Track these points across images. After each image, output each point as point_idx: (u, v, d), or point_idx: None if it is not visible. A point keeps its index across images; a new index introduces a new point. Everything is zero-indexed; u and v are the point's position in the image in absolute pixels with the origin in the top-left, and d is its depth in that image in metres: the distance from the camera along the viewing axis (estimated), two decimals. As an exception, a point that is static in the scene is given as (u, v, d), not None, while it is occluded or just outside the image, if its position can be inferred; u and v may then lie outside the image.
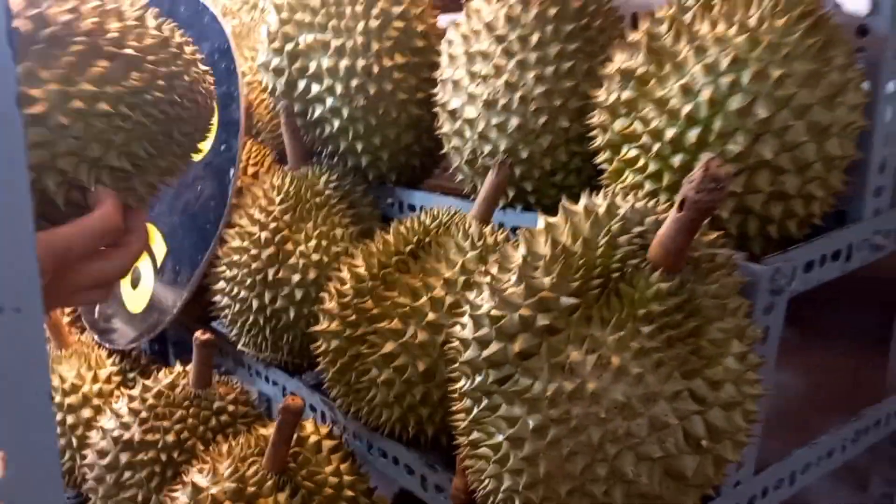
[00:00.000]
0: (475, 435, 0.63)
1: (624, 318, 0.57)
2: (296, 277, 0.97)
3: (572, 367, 0.56)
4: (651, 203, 0.63)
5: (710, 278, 0.60)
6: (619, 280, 0.59)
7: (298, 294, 0.97)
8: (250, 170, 1.16)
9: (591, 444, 0.56)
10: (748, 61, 0.68)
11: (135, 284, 1.15)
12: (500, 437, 0.60)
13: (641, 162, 0.74)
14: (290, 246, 0.98)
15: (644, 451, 0.56)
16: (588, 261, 0.60)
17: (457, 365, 0.64)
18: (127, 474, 0.94)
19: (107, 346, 1.18)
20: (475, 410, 0.63)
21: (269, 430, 0.84)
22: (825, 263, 0.75)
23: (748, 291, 0.68)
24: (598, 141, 0.79)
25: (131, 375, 1.14)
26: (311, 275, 0.97)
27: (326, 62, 0.98)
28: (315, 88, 1.00)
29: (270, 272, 0.97)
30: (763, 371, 0.64)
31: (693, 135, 0.69)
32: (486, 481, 0.63)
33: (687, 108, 0.69)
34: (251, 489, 0.77)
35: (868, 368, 1.05)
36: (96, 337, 1.21)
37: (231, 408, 1.00)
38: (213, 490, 0.77)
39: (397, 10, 1.00)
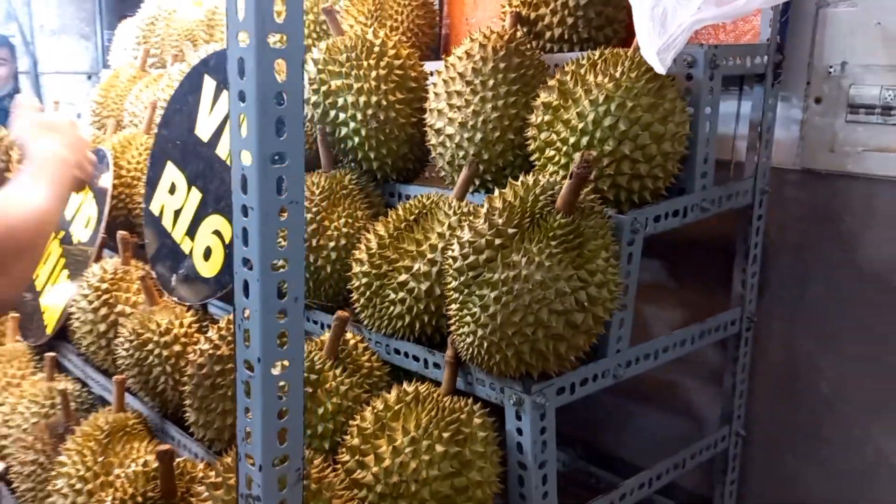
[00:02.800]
0: (460, 312, 1.09)
1: (541, 238, 1.04)
2: (331, 244, 1.42)
3: (513, 264, 1.03)
4: (559, 178, 1.11)
5: (590, 218, 1.07)
6: (539, 219, 1.06)
7: (332, 255, 1.42)
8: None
9: (525, 304, 1.02)
10: (614, 98, 1.16)
11: (206, 256, 1.58)
12: (474, 308, 1.06)
13: (556, 158, 1.22)
14: (326, 223, 1.43)
15: (553, 308, 1.03)
16: (522, 209, 1.07)
17: (449, 273, 1.11)
18: (219, 379, 1.36)
19: (178, 302, 1.60)
20: (460, 297, 1.09)
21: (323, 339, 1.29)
22: (668, 217, 1.24)
23: (619, 233, 1.16)
24: (532, 146, 1.27)
25: (205, 323, 1.57)
26: (341, 242, 1.42)
27: (349, 98, 1.45)
28: (341, 116, 1.47)
29: (313, 241, 1.42)
30: (629, 282, 1.12)
31: (584, 141, 1.18)
32: (466, 338, 1.09)
33: (580, 125, 1.18)
34: (317, 365, 1.21)
35: (713, 293, 1.54)
36: (168, 296, 1.63)
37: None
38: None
39: (397, 62, 1.47)
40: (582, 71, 1.22)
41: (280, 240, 0.74)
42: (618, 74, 1.18)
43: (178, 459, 1.27)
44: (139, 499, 1.20)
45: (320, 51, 1.49)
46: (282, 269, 0.75)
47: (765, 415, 1.53)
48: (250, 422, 0.78)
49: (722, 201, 1.33)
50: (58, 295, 1.93)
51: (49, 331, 1.90)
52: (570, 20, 1.41)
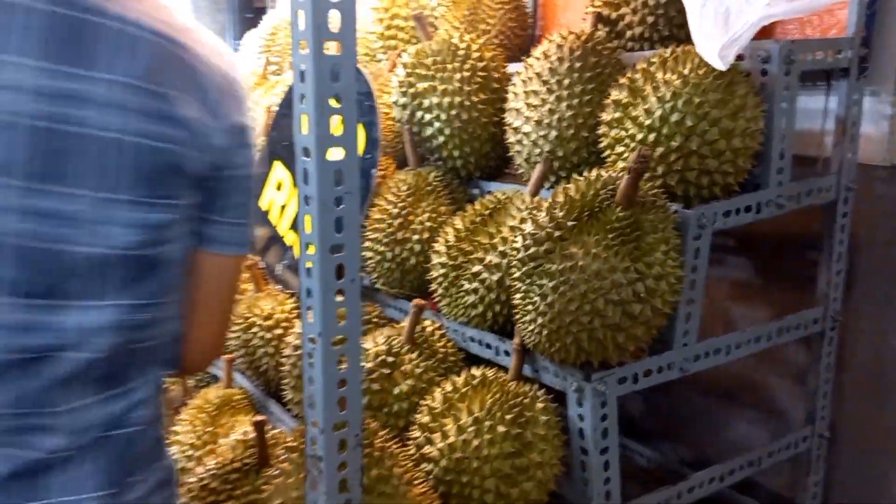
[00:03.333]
0: (522, 301, 1.15)
1: (599, 231, 1.09)
2: (415, 237, 1.51)
3: (571, 255, 1.08)
4: (621, 173, 1.15)
5: (650, 212, 1.10)
6: (598, 212, 1.10)
7: (416, 248, 1.51)
8: (380, 173, 1.72)
9: (581, 294, 1.07)
10: (681, 94, 1.18)
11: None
12: (534, 297, 1.12)
13: (625, 154, 1.25)
14: (411, 217, 1.53)
15: (609, 297, 1.07)
16: (582, 203, 1.11)
17: (513, 264, 1.17)
18: (311, 360, 1.48)
19: (282, 290, 1.74)
20: (522, 287, 1.15)
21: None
22: (740, 213, 1.24)
23: (685, 228, 1.18)
24: (603, 143, 1.31)
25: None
26: (425, 235, 1.50)
27: (434, 99, 1.53)
28: (427, 116, 1.56)
29: (399, 234, 1.52)
30: (696, 277, 1.14)
31: (651, 137, 1.20)
32: (529, 326, 1.14)
33: (648, 122, 1.21)
34: (395, 348, 1.30)
35: (798, 290, 1.51)
36: (272, 284, 1.77)
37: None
38: (371, 349, 1.30)
39: (481, 64, 1.54)
40: (652, 69, 1.24)
41: (337, 226, 0.83)
42: (686, 71, 1.20)
43: (274, 431, 1.39)
44: (237, 464, 1.34)
45: (409, 55, 1.58)
46: (339, 253, 0.83)
47: (853, 415, 1.49)
48: (314, 390, 0.88)
49: (801, 198, 1.31)
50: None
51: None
52: (650, 19, 1.44)
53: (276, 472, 1.02)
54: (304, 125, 0.80)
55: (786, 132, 1.27)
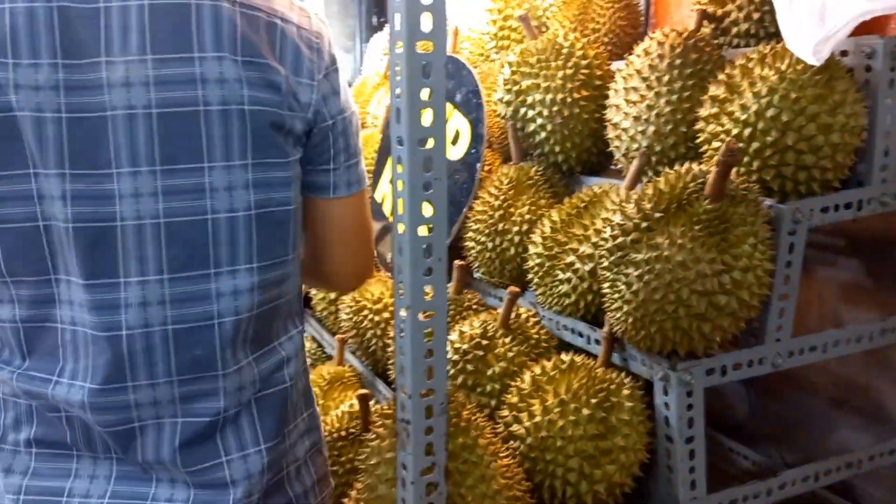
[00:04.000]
0: (610, 290, 1.19)
1: (686, 222, 1.11)
2: (514, 228, 1.57)
3: (656, 245, 1.11)
4: (712, 166, 1.17)
5: (740, 205, 1.12)
6: (685, 204, 1.13)
7: (515, 239, 1.57)
8: (486, 167, 1.79)
9: (666, 283, 1.10)
10: (778, 89, 1.19)
11: (414, 238, 1.82)
12: (621, 286, 1.16)
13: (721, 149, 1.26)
14: (512, 209, 1.59)
15: (693, 288, 1.09)
16: (671, 195, 1.14)
17: (602, 254, 1.21)
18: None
19: (391, 276, 1.85)
20: (610, 276, 1.19)
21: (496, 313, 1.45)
22: (839, 210, 1.23)
23: (779, 223, 1.18)
24: (700, 138, 1.32)
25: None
26: (524, 227, 1.56)
27: (538, 96, 1.59)
28: (530, 113, 1.62)
29: (500, 225, 1.59)
30: (790, 272, 1.14)
31: (747, 132, 1.21)
32: (616, 314, 1.19)
33: (743, 117, 1.22)
34: (490, 332, 1.38)
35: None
36: (384, 271, 1.89)
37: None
38: (467, 332, 1.38)
39: (584, 62, 1.59)
40: (750, 65, 1.25)
41: (426, 210, 0.91)
42: (783, 67, 1.20)
43: (377, 405, 1.50)
44: (343, 433, 1.45)
45: (515, 54, 1.65)
46: (428, 234, 0.92)
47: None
48: (403, 359, 0.96)
49: (909, 196, 1.28)
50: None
51: (294, 298, 2.27)
52: (756, 15, 1.44)
53: (373, 436, 1.11)
54: (399, 117, 0.88)
55: (891, 129, 1.24)
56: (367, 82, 2.92)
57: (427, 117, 0.88)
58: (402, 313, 0.94)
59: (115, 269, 0.87)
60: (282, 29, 0.92)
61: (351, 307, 1.81)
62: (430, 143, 0.89)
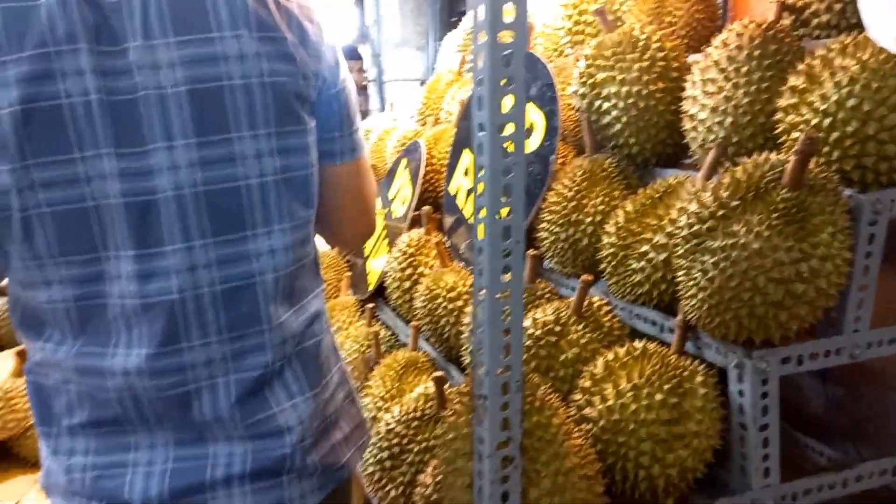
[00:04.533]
0: (685, 278, 1.21)
1: (763, 210, 1.12)
2: (588, 219, 1.60)
3: (733, 233, 1.12)
4: (790, 156, 1.17)
5: (819, 195, 1.12)
6: (763, 193, 1.14)
7: (588, 229, 1.59)
8: (560, 160, 1.82)
9: (742, 271, 1.11)
10: (858, 79, 1.18)
11: (488, 229, 1.86)
12: (696, 274, 1.17)
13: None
14: (585, 200, 1.61)
15: (770, 276, 1.10)
16: (748, 184, 1.15)
17: (678, 241, 1.22)
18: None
19: (465, 267, 1.90)
20: (685, 264, 1.20)
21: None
22: (922, 201, 1.21)
23: (859, 213, 1.17)
24: (779, 129, 1.32)
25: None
26: (597, 218, 1.59)
27: (613, 88, 1.61)
28: (605, 105, 1.64)
29: (573, 216, 1.61)
30: (870, 263, 1.14)
31: (827, 122, 1.21)
32: (691, 301, 1.20)
33: (823, 107, 1.21)
34: (562, 319, 1.41)
35: None
36: (457, 261, 1.93)
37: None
38: (540, 318, 1.42)
39: (660, 54, 1.60)
40: (831, 55, 1.24)
41: (506, 192, 0.95)
42: (865, 57, 1.19)
43: (451, 389, 1.54)
44: (418, 413, 1.50)
45: (591, 47, 1.67)
46: (506, 217, 0.95)
47: None
48: (481, 337, 1.00)
49: None
50: (379, 260, 2.37)
51: (370, 287, 2.34)
52: (837, 6, 1.42)
53: (451, 412, 1.16)
54: (480, 104, 0.93)
55: (981, 117, 1.21)
56: (440, 79, 2.98)
57: (507, 104, 0.92)
58: (481, 293, 0.99)
59: (161, 239, 0.93)
60: (284, 5, 0.99)
61: (426, 295, 1.86)
62: (510, 129, 0.92)
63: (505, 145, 0.94)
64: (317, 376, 1.08)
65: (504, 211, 0.95)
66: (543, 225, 1.69)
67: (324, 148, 1.08)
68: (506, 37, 0.89)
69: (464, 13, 4.06)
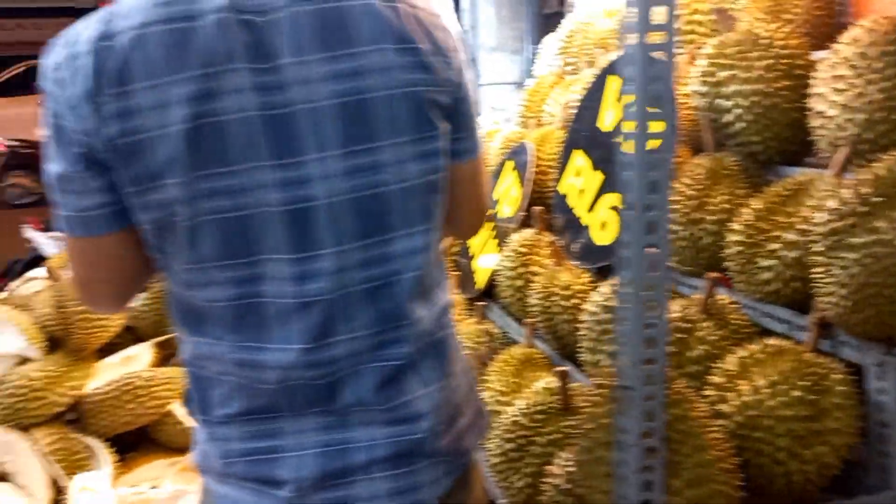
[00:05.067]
0: (823, 275, 1.21)
1: (908, 206, 1.11)
2: (710, 217, 1.60)
3: (876, 230, 1.12)
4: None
5: (967, 189, 1.10)
6: (907, 188, 1.13)
7: (711, 228, 1.60)
8: (679, 159, 1.83)
9: (885, 267, 1.11)
10: None
11: (602, 228, 1.88)
12: (836, 270, 1.17)
13: (940, 134, 1.24)
14: (706, 199, 1.62)
15: (916, 271, 1.09)
16: (891, 180, 1.14)
17: (814, 238, 1.22)
18: (608, 325, 1.64)
19: (578, 265, 1.93)
20: (823, 260, 1.20)
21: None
22: None
23: None
24: (917, 125, 1.30)
25: (597, 282, 1.87)
26: (721, 217, 1.59)
27: (736, 87, 1.61)
28: (727, 104, 1.64)
29: (695, 214, 1.62)
30: None
31: (972, 115, 1.19)
32: (829, 298, 1.20)
33: (967, 100, 1.19)
34: (690, 316, 1.42)
35: None
36: (570, 260, 1.96)
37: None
38: (673, 315, 1.43)
39: (784, 52, 1.59)
40: (975, 47, 1.22)
41: (651, 188, 0.98)
42: None
43: (570, 385, 1.58)
44: (541, 406, 1.54)
45: (711, 47, 1.68)
46: (651, 213, 0.98)
47: None
48: (625, 329, 1.04)
49: None
50: (487, 259, 2.41)
51: (479, 286, 2.39)
52: (976, -3, 1.39)
53: (587, 403, 1.19)
54: (629, 99, 0.96)
55: None
56: (543, 81, 3.01)
57: (655, 103, 0.95)
58: (627, 287, 1.02)
59: (316, 243, 0.99)
60: (416, 15, 1.03)
61: (541, 294, 1.90)
62: (657, 128, 0.95)
63: (650, 141, 0.97)
64: (448, 365, 1.13)
65: (649, 206, 0.98)
66: (662, 224, 1.70)
67: (451, 147, 1.13)
68: (655, 38, 0.92)
69: (550, 15, 4.08)
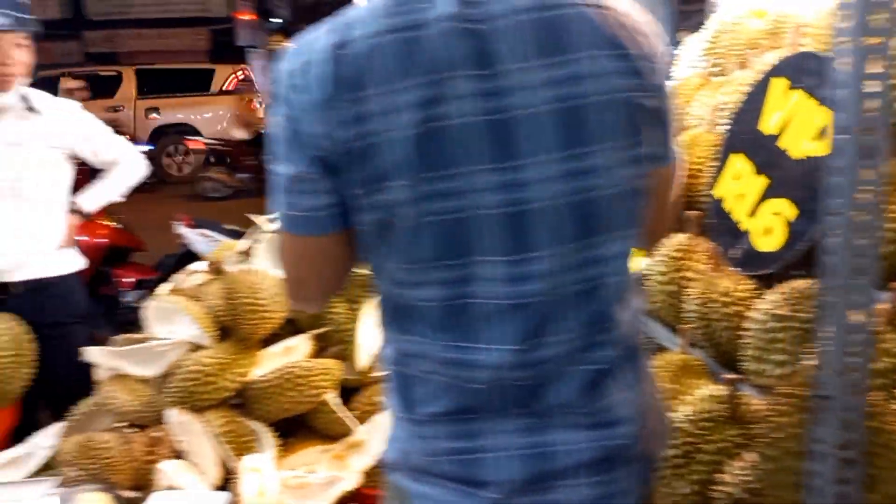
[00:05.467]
0: None
1: None
2: (891, 225, 1.53)
3: None
4: None
5: None
6: None
7: (893, 236, 1.53)
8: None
9: None
10: None
11: (765, 234, 1.83)
12: None
13: None
14: (887, 205, 1.55)
15: None
16: None
17: None
18: (777, 334, 1.59)
19: (739, 272, 1.89)
20: None
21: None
22: None
23: None
24: None
25: (760, 290, 1.82)
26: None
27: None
28: (912, 105, 1.56)
29: (873, 221, 1.55)
30: None
31: None
32: None
33: None
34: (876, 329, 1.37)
35: None
36: (729, 266, 1.92)
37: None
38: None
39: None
40: None
41: (863, 194, 0.95)
42: None
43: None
44: (706, 414, 1.52)
45: (891, 49, 1.60)
46: (862, 217, 0.96)
47: None
48: (828, 337, 1.01)
49: None
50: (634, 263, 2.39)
51: (625, 291, 2.38)
52: None
53: (774, 412, 1.17)
54: (842, 104, 0.94)
55: None
56: (688, 83, 2.94)
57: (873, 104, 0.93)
58: (832, 296, 1.00)
59: (532, 245, 1.01)
60: (622, 21, 1.03)
61: (698, 300, 1.87)
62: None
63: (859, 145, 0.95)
64: (643, 369, 1.14)
65: (862, 210, 0.96)
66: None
67: (656, 150, 1.13)
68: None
69: (698, 14, 3.98)
